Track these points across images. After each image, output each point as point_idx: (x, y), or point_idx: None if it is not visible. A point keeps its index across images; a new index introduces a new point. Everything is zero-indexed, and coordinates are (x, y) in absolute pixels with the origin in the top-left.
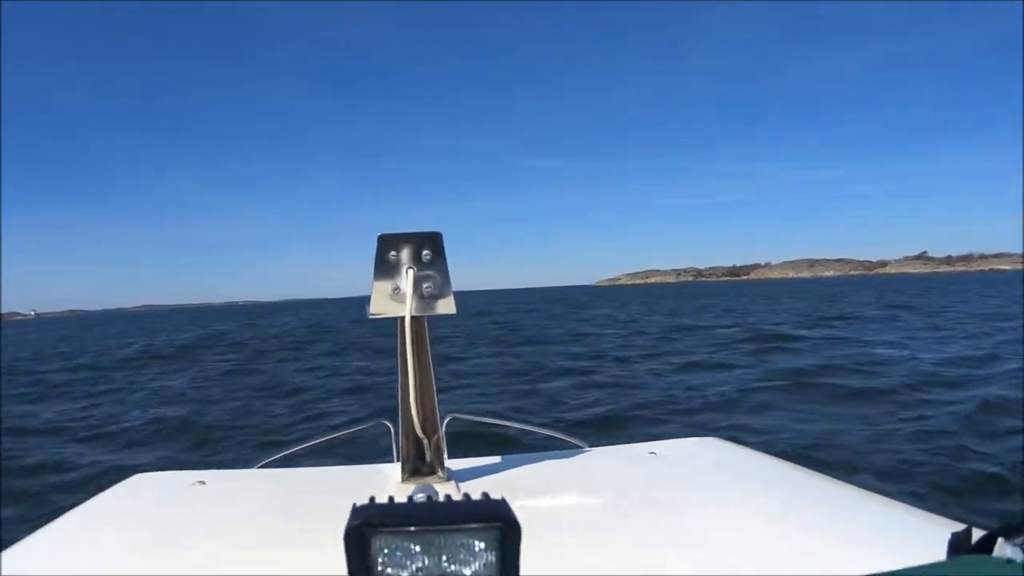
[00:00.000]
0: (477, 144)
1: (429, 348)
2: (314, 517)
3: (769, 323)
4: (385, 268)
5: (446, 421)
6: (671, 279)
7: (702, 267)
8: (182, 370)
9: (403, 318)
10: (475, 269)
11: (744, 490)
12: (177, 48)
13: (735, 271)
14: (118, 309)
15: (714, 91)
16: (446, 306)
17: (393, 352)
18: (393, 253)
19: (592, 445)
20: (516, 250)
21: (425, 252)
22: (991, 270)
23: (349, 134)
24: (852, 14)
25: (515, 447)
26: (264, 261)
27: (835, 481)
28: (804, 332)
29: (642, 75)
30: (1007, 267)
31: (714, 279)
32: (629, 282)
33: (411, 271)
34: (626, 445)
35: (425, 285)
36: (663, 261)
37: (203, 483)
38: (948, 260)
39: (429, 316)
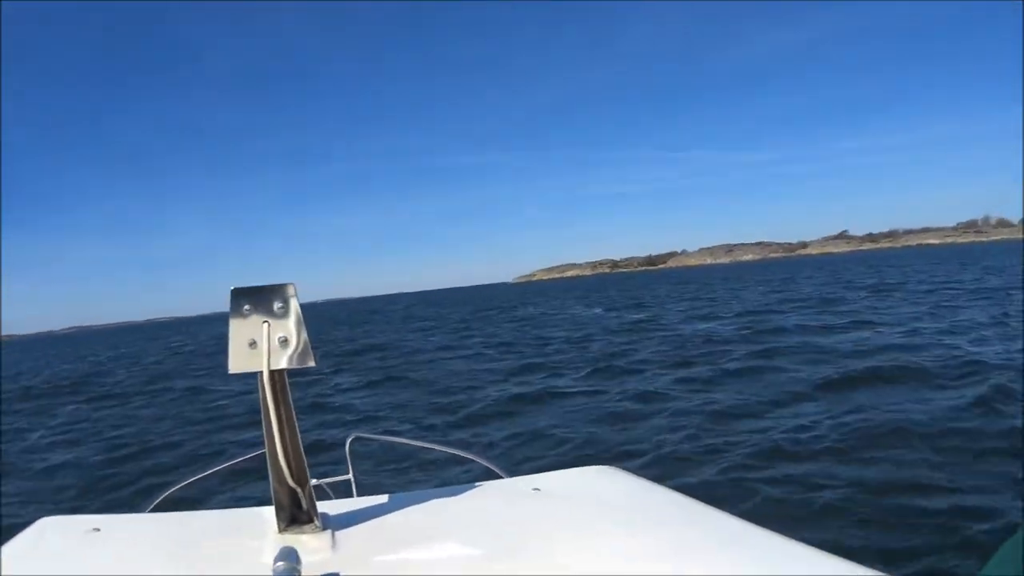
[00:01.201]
0: (385, 145)
1: (291, 399)
2: (198, 566)
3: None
4: (240, 322)
5: (349, 441)
6: (587, 272)
7: (617, 258)
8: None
9: (262, 373)
10: (385, 271)
11: (628, 524)
12: (75, 59)
13: (652, 260)
14: (48, 332)
15: (625, 84)
16: (304, 358)
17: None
18: (247, 307)
19: (495, 456)
20: (423, 250)
21: (278, 304)
22: (919, 245)
23: (262, 144)
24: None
25: (422, 465)
26: (187, 275)
27: (728, 515)
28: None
29: (555, 70)
30: (936, 241)
31: (631, 269)
32: (546, 277)
33: (266, 324)
34: (517, 478)
35: (281, 337)
36: (576, 254)
37: (98, 530)
38: (871, 237)
39: (289, 369)
